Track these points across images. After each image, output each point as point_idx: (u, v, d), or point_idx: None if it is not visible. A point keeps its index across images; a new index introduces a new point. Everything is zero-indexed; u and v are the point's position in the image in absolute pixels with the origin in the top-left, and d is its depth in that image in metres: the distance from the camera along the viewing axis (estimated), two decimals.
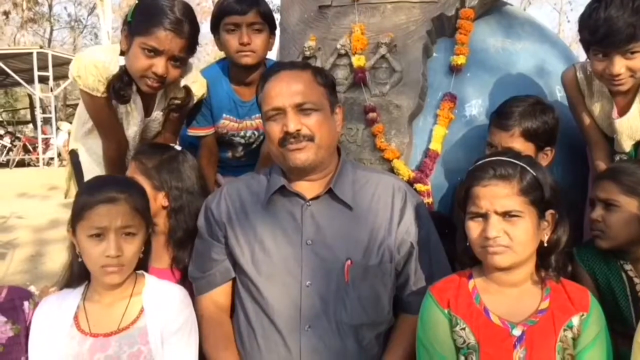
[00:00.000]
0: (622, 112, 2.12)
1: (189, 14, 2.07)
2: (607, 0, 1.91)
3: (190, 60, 2.24)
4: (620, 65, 1.95)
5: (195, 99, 2.32)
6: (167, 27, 1.98)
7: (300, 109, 1.74)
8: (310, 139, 1.73)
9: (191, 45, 2.09)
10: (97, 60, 2.08)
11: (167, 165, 2.01)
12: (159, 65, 2.02)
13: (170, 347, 1.65)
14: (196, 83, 2.30)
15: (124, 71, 2.09)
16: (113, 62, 2.09)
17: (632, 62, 1.94)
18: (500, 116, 2.12)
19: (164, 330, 1.64)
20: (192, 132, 2.53)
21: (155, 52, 2.01)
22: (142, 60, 2.02)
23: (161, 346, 1.63)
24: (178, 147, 2.13)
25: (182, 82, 2.24)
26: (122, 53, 2.10)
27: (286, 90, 1.74)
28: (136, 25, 2.03)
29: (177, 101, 2.27)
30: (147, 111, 2.26)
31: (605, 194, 1.88)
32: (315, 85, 1.78)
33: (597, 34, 1.94)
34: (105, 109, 2.17)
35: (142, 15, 2.03)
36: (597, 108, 2.20)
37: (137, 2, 2.10)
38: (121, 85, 2.09)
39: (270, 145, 1.79)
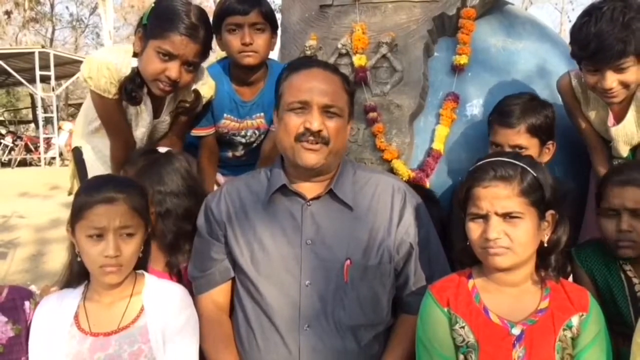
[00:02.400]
0: (618, 119, 2.12)
1: (204, 19, 2.07)
2: (597, 14, 1.90)
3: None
4: (612, 79, 1.94)
5: (204, 101, 2.32)
6: (182, 32, 1.98)
7: (326, 110, 1.73)
8: (326, 142, 1.72)
9: (205, 50, 2.09)
10: (109, 62, 2.08)
11: (148, 170, 1.98)
12: (173, 69, 2.01)
13: (174, 345, 1.65)
14: (205, 85, 2.29)
15: (136, 73, 2.09)
16: (125, 64, 2.09)
17: (624, 75, 1.93)
18: (503, 115, 2.11)
19: (165, 329, 1.64)
20: (193, 132, 2.52)
21: (169, 56, 2.00)
22: (156, 63, 2.01)
23: (162, 345, 1.63)
24: (163, 149, 2.10)
25: (192, 86, 2.24)
26: (135, 54, 2.10)
27: (318, 87, 1.73)
28: (151, 28, 2.02)
29: (186, 104, 2.27)
30: (156, 113, 2.26)
31: (633, 203, 1.81)
32: (343, 91, 1.78)
33: (588, 49, 1.93)
34: (116, 110, 2.17)
35: (158, 18, 2.02)
36: (593, 115, 2.20)
37: (153, 4, 2.10)
38: (133, 87, 2.09)
39: (283, 136, 1.76)
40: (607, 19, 1.88)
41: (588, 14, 1.94)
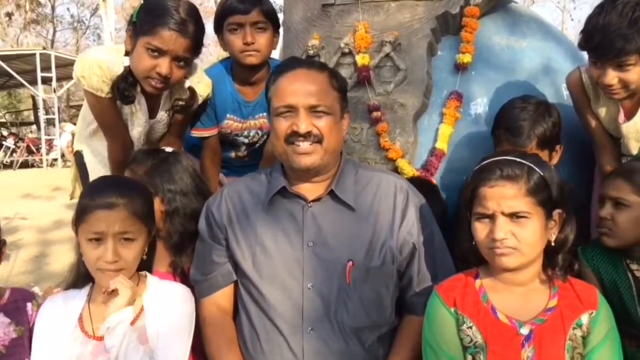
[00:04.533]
0: (629, 115, 2.10)
1: (194, 15, 2.06)
2: (609, 7, 1.89)
3: (195, 61, 2.23)
4: (612, 76, 1.92)
5: (201, 99, 2.31)
6: (171, 27, 1.98)
7: (313, 110, 1.71)
8: (319, 140, 1.71)
9: (196, 45, 2.08)
10: (101, 60, 2.08)
11: (158, 169, 1.97)
12: (163, 65, 2.01)
13: (163, 339, 1.63)
14: (201, 83, 2.29)
15: (128, 71, 2.08)
16: (117, 63, 2.08)
17: (625, 74, 1.91)
18: (511, 133, 2.07)
19: (160, 325, 1.64)
20: (195, 133, 2.52)
21: (159, 52, 2.00)
22: (146, 60, 2.01)
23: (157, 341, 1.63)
24: (169, 149, 2.10)
25: (187, 83, 2.23)
26: (127, 53, 2.10)
27: (302, 89, 1.71)
28: (141, 25, 2.02)
29: (181, 102, 2.26)
30: (152, 112, 2.26)
31: (616, 192, 1.84)
32: (330, 88, 1.75)
33: (591, 42, 1.92)
34: (110, 110, 2.17)
35: (147, 15, 2.03)
36: (603, 111, 2.17)
37: (142, 2, 2.10)
38: (125, 85, 2.09)
39: (275, 141, 1.76)
40: (617, 12, 1.86)
41: (601, 6, 1.92)
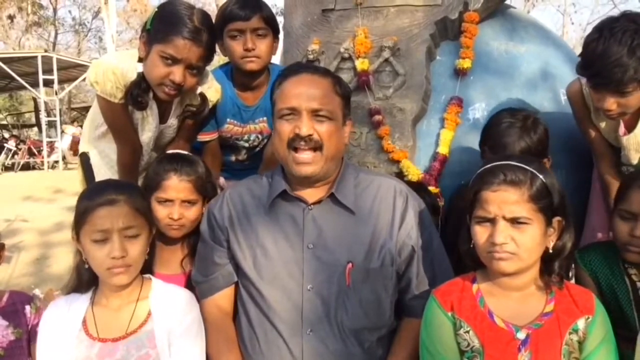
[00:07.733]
0: (629, 127, 2.10)
1: (208, 23, 2.08)
2: (607, 33, 1.86)
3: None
4: (611, 102, 1.92)
5: (210, 105, 2.32)
6: (185, 35, 1.99)
7: (315, 114, 1.72)
8: (319, 147, 1.72)
9: (209, 54, 2.10)
10: (116, 66, 2.09)
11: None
12: (177, 73, 2.02)
13: (177, 348, 1.65)
14: (211, 89, 2.30)
15: (141, 78, 2.10)
16: (131, 69, 2.10)
17: (624, 100, 1.91)
18: (495, 153, 2.04)
19: (170, 333, 1.65)
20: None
21: (173, 60, 2.01)
22: (160, 68, 2.02)
23: (168, 349, 1.63)
24: (184, 153, 2.13)
25: (198, 90, 2.24)
26: (140, 60, 2.11)
27: (305, 92, 1.73)
28: (155, 32, 2.03)
29: (192, 108, 2.28)
30: (163, 118, 2.27)
31: None
32: (333, 94, 1.77)
33: (591, 69, 1.91)
34: (122, 115, 2.18)
35: (162, 23, 2.03)
36: (603, 123, 2.17)
37: (156, 9, 2.11)
38: (139, 91, 2.10)
39: (278, 144, 1.77)
40: (617, 39, 1.83)
41: (599, 31, 1.90)
